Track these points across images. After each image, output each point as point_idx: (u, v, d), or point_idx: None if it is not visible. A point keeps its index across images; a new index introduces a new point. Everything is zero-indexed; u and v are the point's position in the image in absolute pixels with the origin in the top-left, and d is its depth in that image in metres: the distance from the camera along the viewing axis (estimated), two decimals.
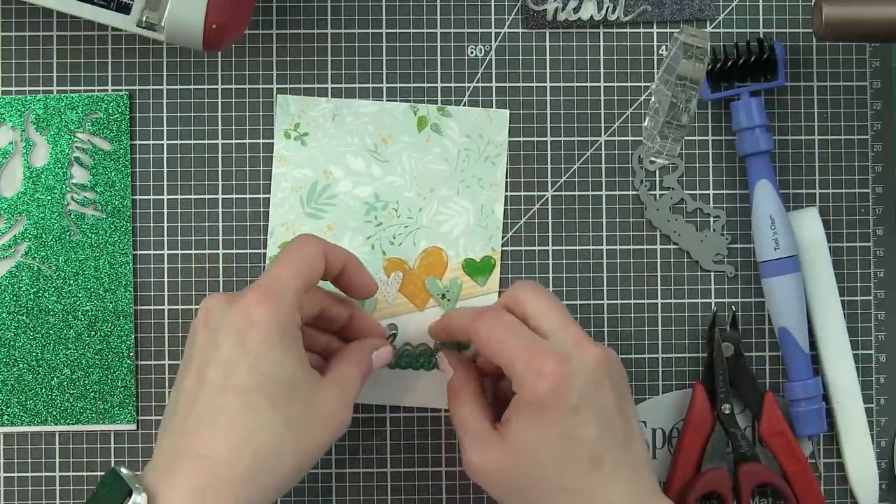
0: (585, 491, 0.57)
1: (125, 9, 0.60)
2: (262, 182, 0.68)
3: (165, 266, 0.68)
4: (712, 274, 0.68)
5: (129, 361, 0.67)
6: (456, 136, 0.68)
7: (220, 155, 0.68)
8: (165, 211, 0.68)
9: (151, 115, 0.68)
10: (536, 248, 0.68)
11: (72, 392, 0.67)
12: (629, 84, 0.68)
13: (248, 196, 0.68)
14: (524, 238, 0.68)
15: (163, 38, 0.60)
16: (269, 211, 0.68)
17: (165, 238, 0.68)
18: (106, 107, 0.67)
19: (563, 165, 0.68)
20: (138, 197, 0.68)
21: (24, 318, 0.67)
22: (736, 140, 0.68)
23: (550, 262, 0.68)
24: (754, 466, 0.67)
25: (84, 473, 0.67)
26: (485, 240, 0.68)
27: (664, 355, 0.68)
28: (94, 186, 0.67)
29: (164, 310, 0.67)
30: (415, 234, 0.68)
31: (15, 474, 0.67)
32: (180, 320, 0.67)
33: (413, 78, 0.68)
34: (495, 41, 0.68)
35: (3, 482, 0.67)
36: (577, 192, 0.68)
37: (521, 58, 0.68)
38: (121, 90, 0.68)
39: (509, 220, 0.68)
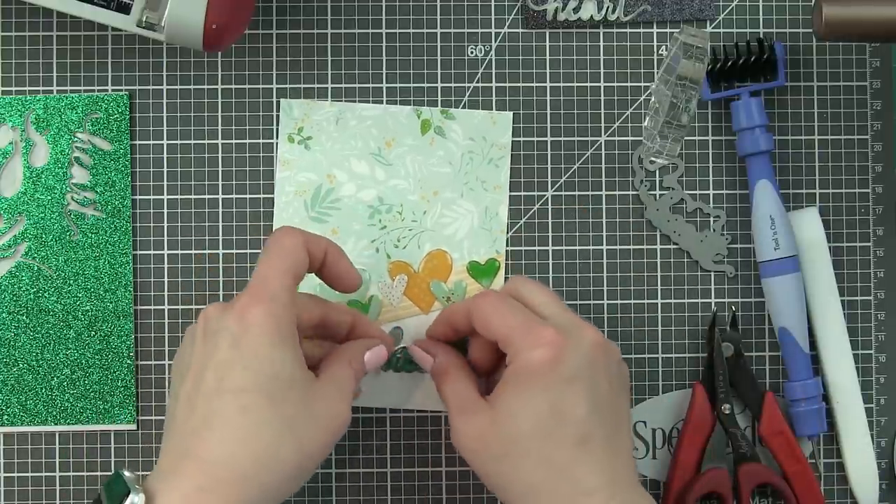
0: (565, 466, 0.56)
1: (125, 9, 0.60)
2: (262, 182, 0.68)
3: (165, 266, 0.68)
4: (712, 274, 0.68)
5: (129, 361, 0.67)
6: (459, 138, 0.68)
7: (220, 155, 0.68)
8: (165, 211, 0.68)
9: (151, 115, 0.68)
10: (536, 248, 0.68)
11: (72, 392, 0.67)
12: (629, 84, 0.68)
13: (248, 196, 0.68)
14: (524, 238, 0.68)
15: (163, 38, 0.60)
16: (270, 212, 0.68)
17: (165, 238, 0.68)
18: (106, 107, 0.67)
19: (563, 165, 0.68)
20: (138, 197, 0.68)
21: (24, 318, 0.67)
22: (736, 140, 0.68)
23: (550, 262, 0.68)
24: (754, 466, 0.67)
25: (84, 473, 0.67)
26: (489, 242, 0.68)
27: (664, 355, 0.68)
28: (94, 186, 0.67)
29: (164, 310, 0.67)
30: (419, 237, 0.68)
31: (15, 474, 0.67)
32: (180, 320, 0.67)
33: (413, 78, 0.68)
34: (495, 41, 0.68)
35: (3, 482, 0.67)
36: (577, 192, 0.68)
37: (521, 58, 0.68)
38: (121, 90, 0.68)
39: (509, 221, 0.68)
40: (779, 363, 0.68)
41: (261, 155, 0.68)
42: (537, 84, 0.68)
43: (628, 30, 0.69)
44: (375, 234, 0.68)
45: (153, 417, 0.67)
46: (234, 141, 0.68)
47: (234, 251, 0.68)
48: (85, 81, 0.68)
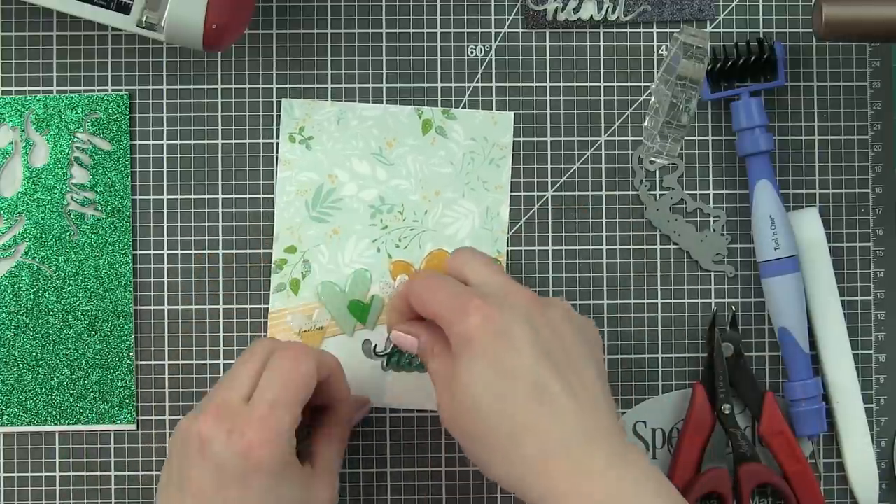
0: (531, 424, 0.54)
1: (125, 9, 0.60)
2: (262, 182, 0.68)
3: (165, 266, 0.67)
4: (712, 274, 0.68)
5: (129, 361, 0.67)
6: (461, 138, 0.68)
7: (220, 155, 0.68)
8: (165, 211, 0.68)
9: (151, 115, 0.68)
10: (536, 248, 0.68)
11: (72, 392, 0.67)
12: (629, 84, 0.68)
13: (248, 196, 0.68)
14: (524, 238, 0.68)
15: (163, 38, 0.60)
16: (270, 212, 0.68)
17: (165, 238, 0.68)
18: (106, 107, 0.67)
19: (563, 165, 0.68)
20: (138, 197, 0.68)
21: (24, 318, 0.67)
22: (736, 140, 0.68)
23: (550, 262, 0.68)
24: (754, 466, 0.67)
25: (84, 473, 0.67)
26: (490, 242, 0.68)
27: (664, 355, 0.68)
28: (94, 186, 0.67)
29: (164, 310, 0.67)
30: (420, 237, 0.68)
31: (15, 474, 0.67)
32: (180, 320, 0.67)
33: (413, 78, 0.68)
34: (495, 41, 0.68)
35: (3, 482, 0.67)
36: (577, 192, 0.68)
37: (521, 58, 0.68)
38: (121, 90, 0.68)
39: (509, 221, 0.68)
40: (779, 363, 0.68)
41: (260, 155, 0.68)
42: (537, 84, 0.68)
43: (628, 30, 0.69)
44: (377, 234, 0.68)
45: (153, 417, 0.67)
46: (233, 141, 0.68)
47: (234, 251, 0.68)
48: (85, 81, 0.68)
